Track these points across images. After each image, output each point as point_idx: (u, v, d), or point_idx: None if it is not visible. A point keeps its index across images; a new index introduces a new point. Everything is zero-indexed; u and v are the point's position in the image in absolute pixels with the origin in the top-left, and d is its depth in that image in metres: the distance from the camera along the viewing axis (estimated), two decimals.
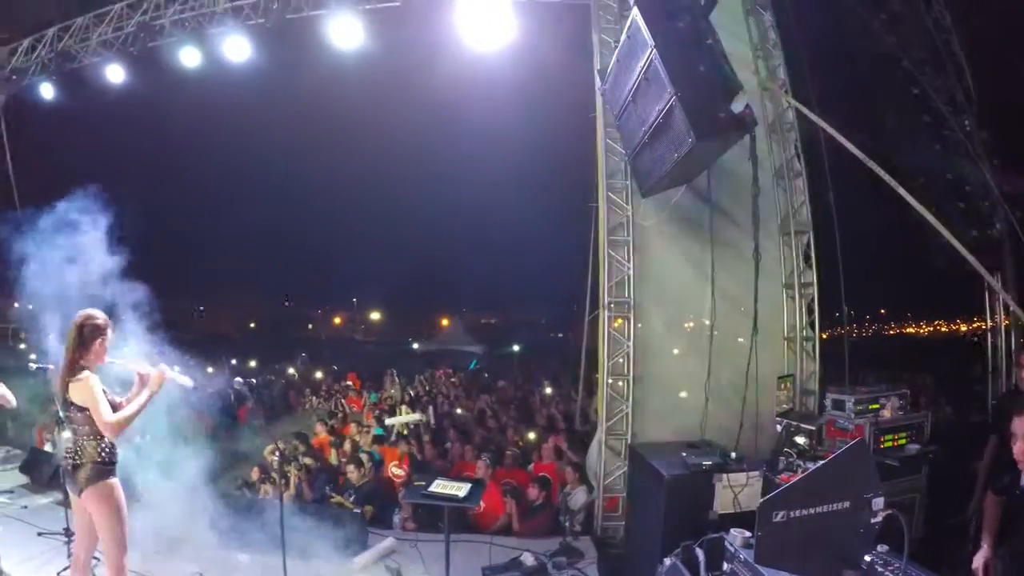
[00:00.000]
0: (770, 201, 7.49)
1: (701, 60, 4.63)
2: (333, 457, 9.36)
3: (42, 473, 8.38)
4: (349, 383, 15.30)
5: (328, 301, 29.29)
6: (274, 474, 8.33)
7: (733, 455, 5.63)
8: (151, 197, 16.70)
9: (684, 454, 5.74)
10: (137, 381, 4.46)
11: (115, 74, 10.30)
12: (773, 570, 3.41)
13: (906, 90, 9.07)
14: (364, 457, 8.85)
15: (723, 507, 5.29)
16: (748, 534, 3.99)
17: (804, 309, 7.54)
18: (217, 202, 18.33)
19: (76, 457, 4.15)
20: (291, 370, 17.89)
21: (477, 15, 7.98)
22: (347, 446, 9.63)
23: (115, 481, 4.22)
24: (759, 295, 6.54)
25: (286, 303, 28.15)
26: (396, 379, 14.54)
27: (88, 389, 4.05)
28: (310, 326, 29.05)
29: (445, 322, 28.29)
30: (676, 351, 7.67)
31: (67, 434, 6.72)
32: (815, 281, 7.58)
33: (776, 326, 7.58)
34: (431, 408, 11.51)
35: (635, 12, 4.99)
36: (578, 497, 7.96)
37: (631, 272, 7.63)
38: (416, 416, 10.58)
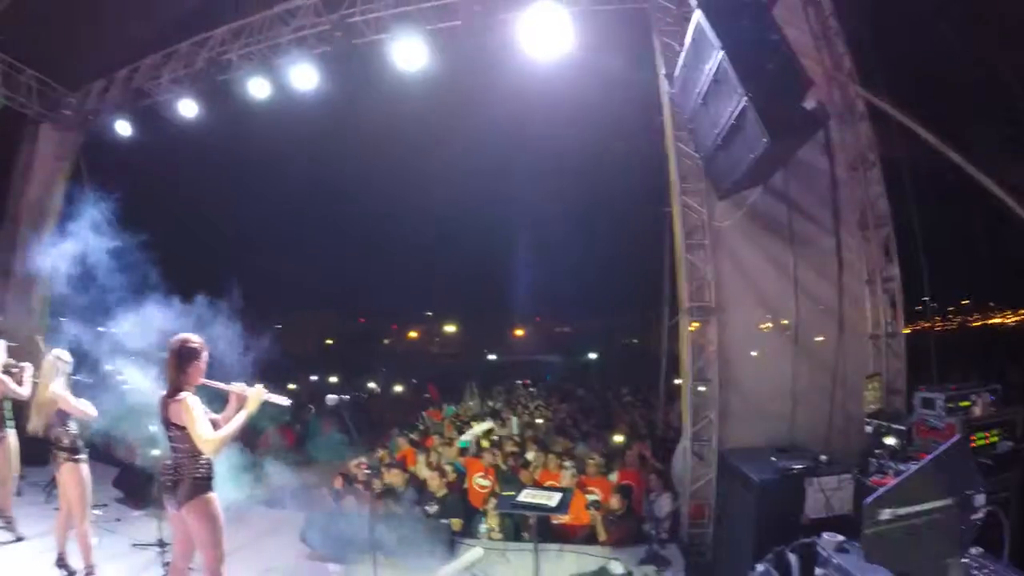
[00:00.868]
0: (847, 194, 7.29)
1: (769, 58, 4.61)
2: (418, 469, 9.61)
3: (134, 487, 8.85)
4: (428, 395, 15.64)
5: (402, 316, 29.89)
6: (359, 486, 8.65)
7: (823, 458, 5.58)
8: (228, 224, 17.62)
9: (774, 458, 5.72)
10: (233, 401, 4.69)
11: (188, 108, 10.58)
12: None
13: (978, 68, 8.72)
14: (448, 468, 9.09)
15: (814, 511, 5.27)
16: (841, 538, 3.99)
17: (888, 304, 7.28)
18: (291, 224, 19.05)
19: (175, 473, 4.38)
20: (371, 384, 18.33)
21: (537, 27, 8.07)
22: (432, 457, 9.85)
23: (213, 495, 4.45)
24: (850, 294, 6.45)
25: (361, 319, 28.84)
26: (475, 391, 14.76)
27: (187, 409, 4.28)
28: (385, 341, 29.64)
29: (519, 332, 28.57)
30: (760, 354, 7.56)
31: (157, 451, 7.22)
32: (897, 275, 7.30)
33: (860, 323, 7.35)
34: (512, 419, 11.66)
35: (698, 14, 5.00)
36: (663, 504, 7.93)
37: (710, 275, 7.58)
38: (487, 424, 10.74)
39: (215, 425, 4.48)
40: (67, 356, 6.29)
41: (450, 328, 30.57)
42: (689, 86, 5.94)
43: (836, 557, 3.94)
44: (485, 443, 10.22)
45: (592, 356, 23.63)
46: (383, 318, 28.68)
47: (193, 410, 4.29)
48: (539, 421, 12.37)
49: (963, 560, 3.34)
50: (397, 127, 13.82)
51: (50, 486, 8.48)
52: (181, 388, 4.39)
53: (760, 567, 4.57)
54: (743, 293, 7.59)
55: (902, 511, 3.27)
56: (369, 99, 11.08)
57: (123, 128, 11.24)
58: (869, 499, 3.41)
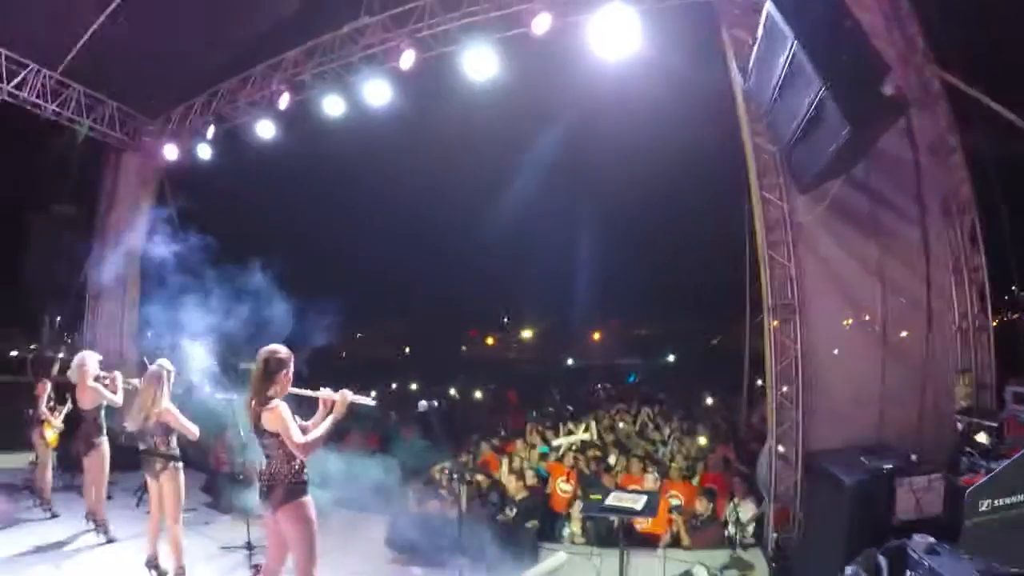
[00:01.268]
0: (928, 181, 6.99)
1: (843, 44, 4.49)
2: (500, 474, 9.73)
3: (222, 493, 9.29)
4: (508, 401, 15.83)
5: (479, 323, 30.26)
6: (443, 491, 8.83)
7: (913, 457, 5.41)
8: (307, 239, 18.26)
9: (863, 459, 5.58)
10: (321, 406, 4.85)
11: (266, 129, 11.03)
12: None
13: None
14: (530, 473, 9.18)
15: (904, 512, 5.14)
16: (932, 540, 3.90)
17: (975, 295, 6.95)
18: (369, 236, 19.57)
19: (270, 479, 4.57)
20: (452, 391, 18.59)
21: (605, 28, 8.08)
22: (516, 463, 9.91)
23: (307, 499, 4.61)
24: (937, 284, 6.23)
25: (438, 327, 29.41)
26: (556, 396, 14.83)
27: (279, 416, 4.46)
28: (463, 348, 30.08)
29: (597, 336, 28.52)
30: (845, 351, 7.33)
31: (243, 459, 7.58)
32: (983, 264, 6.96)
33: (947, 315, 7.03)
34: (593, 423, 11.66)
35: (769, 5, 4.92)
36: (747, 508, 7.81)
37: (793, 271, 7.42)
38: (583, 435, 10.77)
39: (304, 431, 4.63)
40: (170, 365, 6.60)
41: (527, 334, 30.78)
42: (764, 79, 5.82)
43: (927, 559, 3.83)
44: (568, 448, 10.25)
45: (671, 358, 23.41)
46: (461, 325, 29.14)
47: (284, 416, 4.47)
48: (621, 425, 12.32)
49: None
50: (469, 136, 14.05)
51: (141, 491, 8.93)
52: (272, 397, 4.57)
53: (849, 569, 4.49)
54: (826, 289, 7.38)
55: (1001, 502, 3.20)
56: (441, 110, 11.32)
57: (203, 151, 11.79)
58: (969, 490, 3.33)
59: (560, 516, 8.66)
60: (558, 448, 10.40)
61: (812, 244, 7.40)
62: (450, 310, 25.79)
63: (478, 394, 18.02)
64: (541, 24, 8.54)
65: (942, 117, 6.98)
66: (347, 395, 4.79)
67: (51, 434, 8.51)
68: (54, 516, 8.20)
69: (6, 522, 7.91)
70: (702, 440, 10.69)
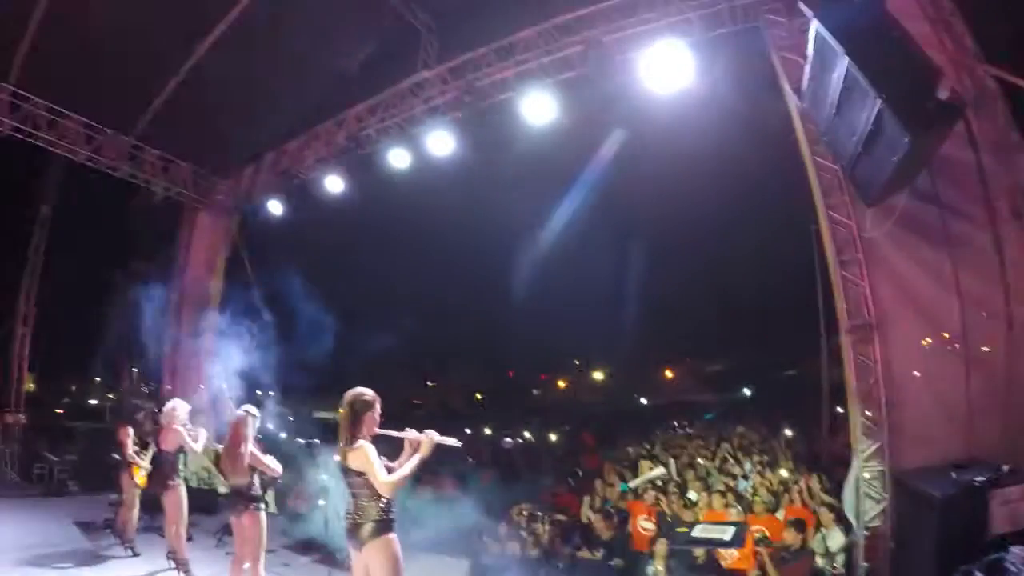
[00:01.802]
0: (994, 183, 6.81)
1: (894, 55, 4.59)
2: (582, 512, 9.70)
3: (303, 534, 9.70)
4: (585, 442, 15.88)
5: (550, 367, 30.35)
6: (523, 531, 8.90)
7: (1005, 468, 5.25)
8: (378, 287, 18.83)
9: (953, 474, 5.45)
10: (407, 447, 4.99)
11: (334, 184, 11.43)
12: None
13: None
14: (612, 511, 9.17)
15: (999, 526, 5.01)
16: None
17: None
18: (435, 283, 20.01)
19: (357, 516, 4.69)
20: (527, 434, 18.64)
21: (656, 63, 8.31)
22: (596, 502, 9.92)
23: (393, 536, 4.71)
24: (1017, 290, 6.10)
25: (510, 372, 29.57)
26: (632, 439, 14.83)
27: (365, 456, 4.61)
28: (535, 392, 30.17)
29: (669, 374, 28.25)
30: (928, 366, 7.19)
31: (323, 501, 7.84)
32: None
33: None
34: (670, 461, 11.55)
35: (816, 24, 5.06)
36: (835, 538, 7.62)
37: (867, 290, 7.40)
38: (659, 471, 10.68)
39: (390, 471, 4.76)
40: (255, 410, 6.87)
41: (599, 375, 30.69)
42: (819, 97, 5.93)
43: None
44: (647, 487, 10.20)
45: (747, 392, 23.01)
46: (531, 369, 29.29)
47: (370, 456, 4.62)
48: (700, 461, 12.17)
49: None
50: (529, 178, 14.40)
51: (221, 532, 9.44)
52: (357, 437, 4.73)
53: None
54: (902, 305, 7.31)
55: None
56: (502, 154, 11.69)
57: (275, 207, 12.31)
58: None
59: (642, 554, 8.60)
60: (636, 488, 10.35)
61: (884, 260, 7.37)
62: (520, 355, 26.02)
63: (553, 436, 18.05)
64: (594, 65, 8.88)
65: (1001, 115, 6.87)
66: (433, 436, 4.93)
67: (141, 475, 8.92)
68: (135, 555, 8.60)
69: (90, 559, 8.31)
70: (784, 472, 10.48)
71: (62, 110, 11.36)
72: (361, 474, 4.65)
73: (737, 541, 6.00)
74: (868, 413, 7.35)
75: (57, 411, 18.83)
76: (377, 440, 4.84)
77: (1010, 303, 6.13)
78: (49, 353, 14.62)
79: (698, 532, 6.18)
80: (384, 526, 4.67)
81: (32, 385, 14.06)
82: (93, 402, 21.84)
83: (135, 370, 14.65)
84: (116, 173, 12.20)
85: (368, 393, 4.91)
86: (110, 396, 20.12)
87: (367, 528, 4.64)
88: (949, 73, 6.46)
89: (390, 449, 4.99)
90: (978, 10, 7.07)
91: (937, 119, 4.67)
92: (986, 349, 6.77)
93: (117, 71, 10.71)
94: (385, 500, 4.69)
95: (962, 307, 6.79)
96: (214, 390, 13.04)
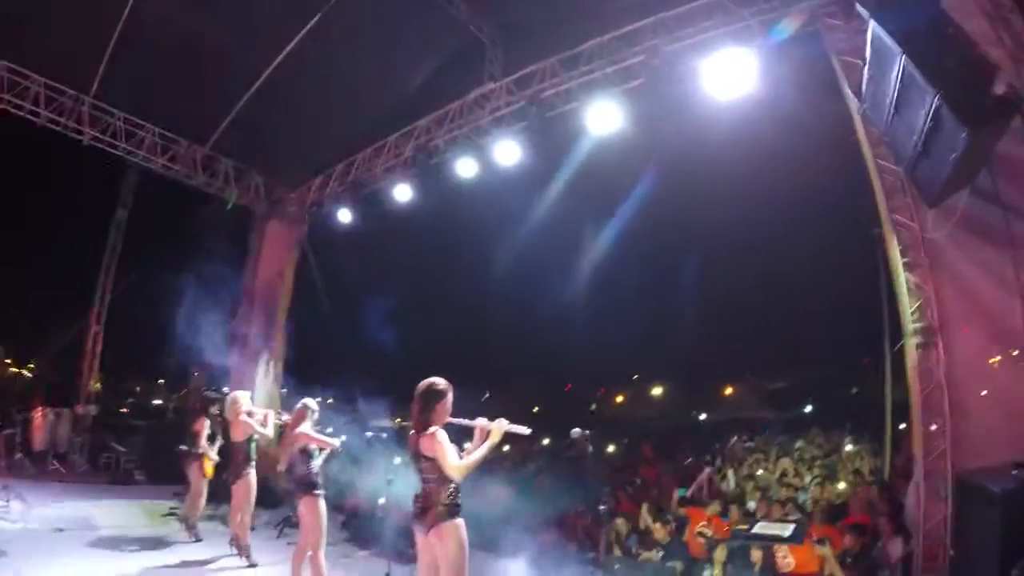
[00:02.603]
0: None
1: (949, 51, 4.79)
2: (641, 518, 9.96)
3: (362, 529, 10.42)
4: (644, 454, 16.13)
5: (608, 381, 30.43)
6: (581, 534, 9.16)
7: None
8: (441, 296, 19.33)
9: (1014, 472, 5.54)
10: (477, 435, 5.25)
11: (402, 193, 11.85)
12: None
13: None
14: (670, 517, 9.40)
15: None
16: None
17: None
18: (498, 296, 20.37)
19: (425, 501, 5.00)
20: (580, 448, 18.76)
21: (718, 71, 8.59)
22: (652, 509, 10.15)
23: (460, 521, 4.98)
24: None
25: (567, 385, 29.76)
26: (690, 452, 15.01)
27: (437, 442, 4.92)
28: (592, 407, 30.28)
29: (729, 391, 28.11)
30: (991, 371, 7.21)
31: (383, 499, 8.18)
32: None
33: None
34: (729, 472, 11.70)
35: (873, 25, 5.27)
36: (895, 548, 7.68)
37: (931, 292, 7.50)
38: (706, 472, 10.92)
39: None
40: (314, 404, 7.32)
41: (657, 391, 30.68)
42: (879, 98, 6.08)
43: None
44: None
45: (808, 409, 22.77)
46: (589, 383, 29.44)
47: (442, 442, 4.93)
48: (760, 472, 12.28)
49: None
50: (592, 187, 14.72)
51: (283, 524, 10.09)
52: (430, 424, 5.03)
53: None
54: (965, 308, 7.37)
55: None
56: (567, 165, 12.08)
57: (344, 216, 12.86)
58: None
59: (699, 560, 8.78)
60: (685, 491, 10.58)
61: (947, 263, 7.44)
62: (578, 368, 26.22)
63: (611, 448, 18.22)
64: (657, 73, 9.17)
65: None
66: (503, 424, 5.18)
67: (209, 466, 9.49)
68: (198, 540, 9.09)
69: (156, 544, 8.82)
70: (842, 485, 10.54)
71: (140, 121, 12.19)
72: (432, 460, 4.94)
73: (797, 538, 6.16)
74: (930, 418, 7.39)
75: (122, 410, 19.75)
76: (448, 428, 5.11)
77: None
78: (117, 352, 15.37)
79: (758, 529, 6.36)
80: (452, 510, 4.93)
81: (98, 384, 14.82)
82: (157, 402, 22.86)
83: (197, 373, 15.30)
84: (190, 181, 12.97)
85: (441, 382, 5.20)
86: (173, 397, 21.06)
87: (435, 512, 4.91)
88: (1007, 69, 6.54)
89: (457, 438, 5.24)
90: None
91: (994, 114, 4.84)
92: None
93: (193, 84, 11.51)
94: (453, 485, 4.96)
95: None
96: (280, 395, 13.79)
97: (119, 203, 15.04)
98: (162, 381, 23.57)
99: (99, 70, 11.11)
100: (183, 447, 9.65)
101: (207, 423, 9.62)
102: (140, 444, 13.63)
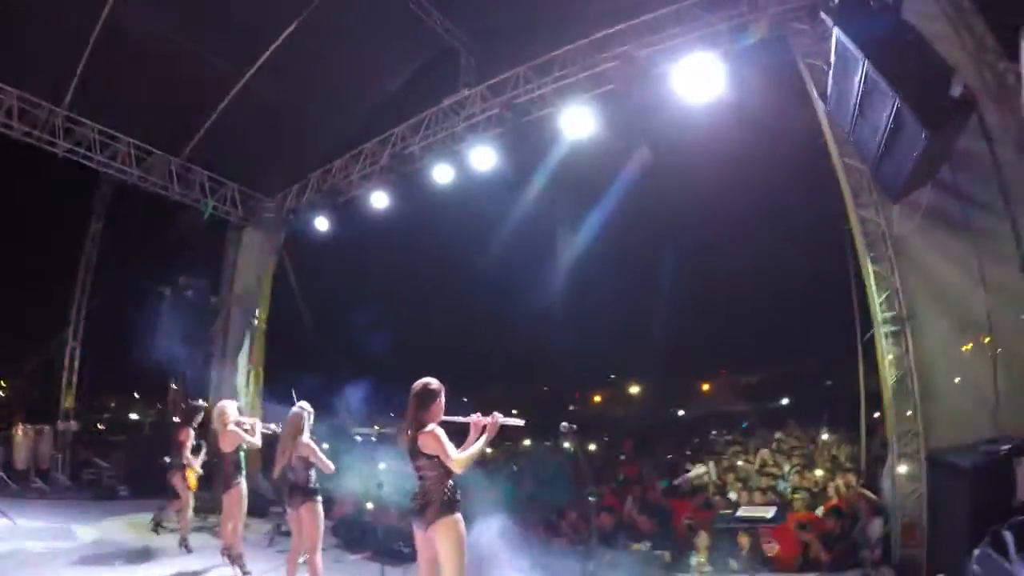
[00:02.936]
0: (1014, 173, 7.12)
1: (910, 56, 5.19)
2: (627, 511, 10.29)
3: (352, 533, 10.61)
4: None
5: (585, 382, 30.75)
6: (569, 527, 9.45)
7: None
8: (417, 301, 19.50)
9: (981, 448, 5.92)
10: (473, 429, 5.47)
11: (380, 200, 12.14)
12: None
13: None
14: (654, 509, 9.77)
15: None
16: None
17: None
18: (474, 299, 20.56)
19: (424, 498, 5.17)
20: (566, 444, 19.02)
21: (689, 76, 8.99)
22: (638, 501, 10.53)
23: (459, 517, 5.17)
24: None
25: (545, 388, 30.09)
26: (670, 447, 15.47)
27: (435, 438, 5.11)
28: (570, 407, 30.55)
29: (706, 387, 28.62)
30: (957, 358, 7.71)
31: (370, 504, 8.29)
32: None
33: None
34: (710, 463, 12.06)
35: (836, 32, 5.68)
36: (874, 528, 8.10)
37: (898, 283, 7.98)
38: (703, 468, 11.26)
39: None
40: (309, 408, 7.38)
41: (634, 389, 31.11)
42: (843, 100, 6.47)
43: None
44: (689, 487, 10.78)
45: (784, 402, 23.31)
46: (566, 384, 29.74)
47: (440, 438, 5.13)
48: (739, 463, 12.69)
49: None
50: (566, 190, 15.02)
51: (272, 533, 10.25)
52: (426, 423, 5.23)
53: (977, 551, 4.83)
54: (932, 298, 7.86)
55: None
56: (544, 167, 12.37)
57: (321, 224, 13.03)
58: None
59: (686, 549, 9.12)
60: (677, 484, 10.94)
61: (912, 255, 7.94)
62: (554, 370, 26.51)
63: (592, 446, 18.53)
64: (628, 78, 9.46)
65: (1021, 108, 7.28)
66: (498, 417, 5.42)
67: (192, 478, 9.51)
68: (189, 551, 9.12)
69: (144, 556, 8.84)
70: (820, 472, 10.97)
71: (114, 132, 12.15)
72: (432, 457, 5.13)
73: (779, 519, 6.50)
74: (902, 403, 7.87)
75: (99, 425, 19.63)
76: (443, 426, 5.30)
77: None
78: (91, 366, 15.19)
79: (742, 512, 6.69)
80: (450, 506, 5.11)
81: (71, 401, 14.71)
82: (134, 417, 22.70)
83: (174, 386, 15.30)
84: (165, 192, 12.98)
85: (434, 382, 5.39)
86: (150, 412, 20.95)
87: (433, 509, 5.09)
88: (968, 70, 7.03)
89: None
90: (998, 7, 7.50)
91: (951, 114, 5.26)
92: (1016, 332, 7.20)
93: (167, 95, 11.57)
94: (451, 482, 5.15)
95: (988, 299, 7.24)
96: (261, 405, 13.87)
97: (93, 215, 14.93)
98: (137, 396, 23.39)
99: (72, 82, 11.13)
100: (167, 459, 9.71)
101: (191, 434, 9.65)
102: (122, 459, 13.63)
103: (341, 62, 11.72)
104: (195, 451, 9.64)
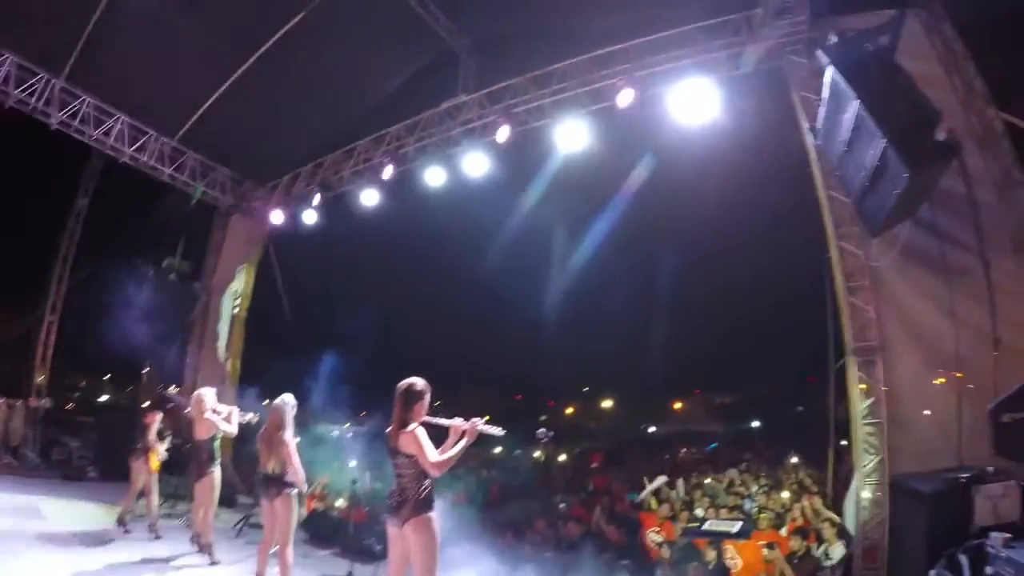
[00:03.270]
0: (997, 218, 7.69)
1: (899, 99, 5.53)
2: (593, 523, 10.45)
3: (322, 529, 10.66)
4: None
5: (559, 393, 31.04)
6: (537, 537, 9.67)
7: (990, 469, 5.97)
8: (400, 302, 19.59)
9: (942, 476, 6.22)
10: (452, 433, 5.52)
11: (370, 198, 12.34)
12: None
13: None
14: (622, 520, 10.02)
15: (983, 519, 5.66)
16: (1009, 535, 4.55)
17: None
18: (455, 305, 20.69)
19: (400, 495, 5.28)
20: (537, 453, 19.28)
21: (685, 98, 9.34)
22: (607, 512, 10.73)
23: (434, 515, 5.29)
24: (1008, 319, 7.02)
25: (518, 396, 30.33)
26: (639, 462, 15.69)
27: (416, 438, 5.20)
28: (543, 418, 30.82)
29: (678, 405, 29.07)
30: (925, 390, 8.02)
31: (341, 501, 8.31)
32: None
33: None
34: (679, 481, 12.31)
35: (831, 70, 6.03)
36: (837, 550, 8.39)
37: (873, 314, 8.30)
38: (661, 480, 11.52)
39: None
40: (292, 400, 7.40)
41: (607, 403, 31.50)
42: (832, 135, 6.85)
43: (1005, 552, 4.45)
44: (654, 503, 10.99)
45: (756, 424, 23.81)
46: (540, 395, 29.98)
47: (421, 438, 5.21)
48: (707, 481, 12.96)
49: None
50: (556, 204, 15.27)
51: (242, 523, 10.29)
52: (409, 422, 5.31)
53: (933, 572, 5.12)
54: (905, 330, 8.20)
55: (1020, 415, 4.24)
56: (535, 178, 12.59)
57: (309, 217, 13.24)
58: (991, 405, 4.34)
59: (652, 562, 9.36)
60: (644, 499, 11.16)
61: (889, 288, 8.29)
62: (529, 379, 26.75)
63: (563, 457, 18.80)
64: (625, 98, 9.81)
65: (1006, 154, 7.80)
66: (477, 424, 5.45)
67: (155, 461, 9.40)
68: (158, 538, 9.06)
69: (113, 542, 8.70)
70: (786, 495, 11.27)
71: (110, 109, 12.12)
72: (410, 456, 5.23)
73: (744, 534, 6.73)
74: (870, 430, 8.18)
75: (68, 405, 19.45)
76: (425, 426, 5.37)
77: (996, 326, 6.97)
78: (64, 345, 15.09)
79: (708, 526, 6.93)
80: (426, 505, 5.23)
81: (44, 377, 14.58)
82: (104, 398, 22.52)
83: (148, 369, 15.26)
84: (156, 174, 13.00)
85: (420, 383, 5.48)
86: (123, 394, 20.82)
87: (409, 506, 5.19)
88: (957, 113, 7.50)
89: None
90: (990, 56, 8.01)
91: (934, 157, 5.60)
92: (982, 369, 7.50)
93: (167, 75, 11.68)
94: (428, 481, 5.27)
95: (956, 331, 7.64)
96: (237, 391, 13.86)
97: (80, 190, 14.90)
98: (108, 377, 23.22)
99: (74, 52, 11.08)
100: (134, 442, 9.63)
101: (159, 417, 9.60)
102: (93, 440, 13.55)
103: (342, 57, 11.86)
104: (160, 436, 9.54)
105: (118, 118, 12.25)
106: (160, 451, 9.45)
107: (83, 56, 11.19)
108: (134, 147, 12.56)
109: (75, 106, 11.68)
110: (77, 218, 14.91)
